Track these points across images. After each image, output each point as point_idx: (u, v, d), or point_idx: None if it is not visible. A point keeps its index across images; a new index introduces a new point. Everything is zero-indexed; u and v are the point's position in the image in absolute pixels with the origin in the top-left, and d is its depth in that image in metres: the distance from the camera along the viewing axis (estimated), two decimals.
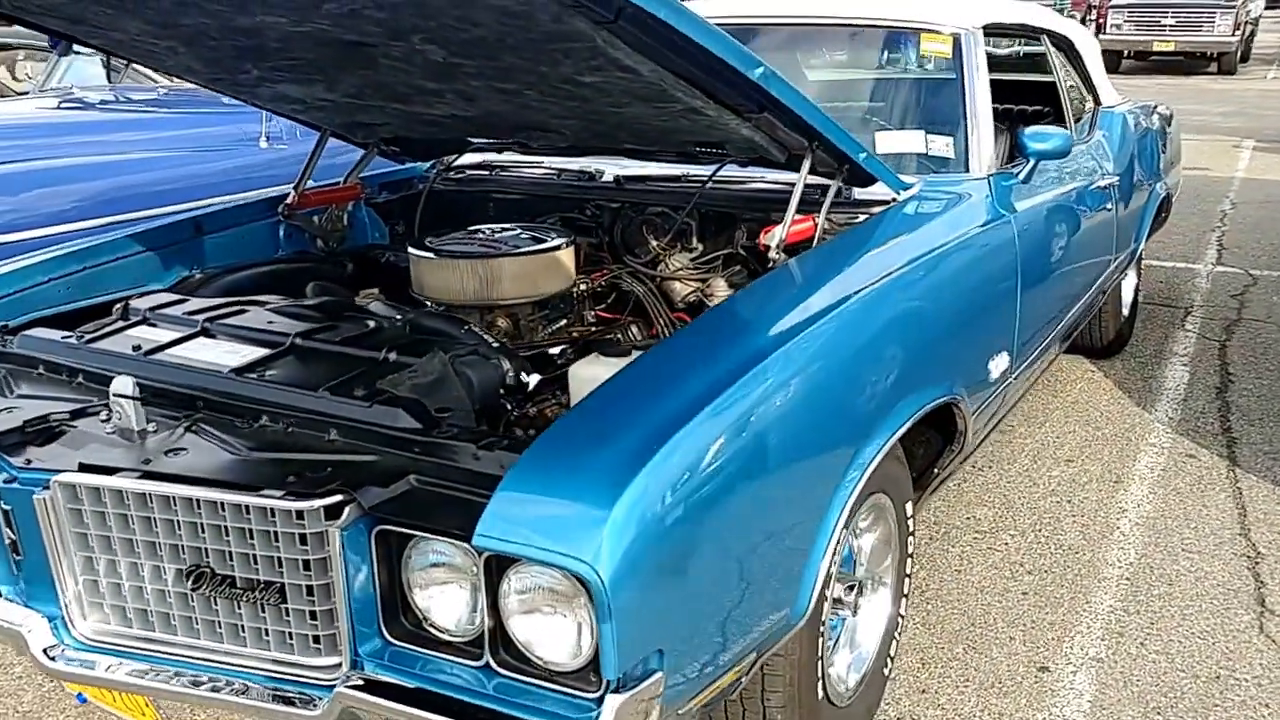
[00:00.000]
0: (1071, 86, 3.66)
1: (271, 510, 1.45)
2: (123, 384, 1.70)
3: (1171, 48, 15.13)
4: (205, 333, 1.95)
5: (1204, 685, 2.33)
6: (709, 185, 2.52)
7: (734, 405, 1.53)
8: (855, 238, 2.20)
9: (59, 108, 4.76)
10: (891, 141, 2.68)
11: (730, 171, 2.48)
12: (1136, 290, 4.45)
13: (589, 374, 1.83)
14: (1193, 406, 3.81)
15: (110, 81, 5.24)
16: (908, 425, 1.92)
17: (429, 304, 2.32)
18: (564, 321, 2.42)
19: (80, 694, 1.77)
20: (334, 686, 1.45)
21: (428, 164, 3.05)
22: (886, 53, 2.86)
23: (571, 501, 1.33)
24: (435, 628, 1.49)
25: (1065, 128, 3.46)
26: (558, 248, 2.30)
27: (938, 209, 2.41)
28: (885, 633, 2.23)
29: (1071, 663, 2.42)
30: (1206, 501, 3.13)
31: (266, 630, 1.52)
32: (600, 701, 1.32)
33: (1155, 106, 4.60)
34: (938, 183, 2.55)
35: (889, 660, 2.24)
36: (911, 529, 2.26)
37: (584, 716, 1.34)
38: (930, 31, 2.79)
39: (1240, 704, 2.27)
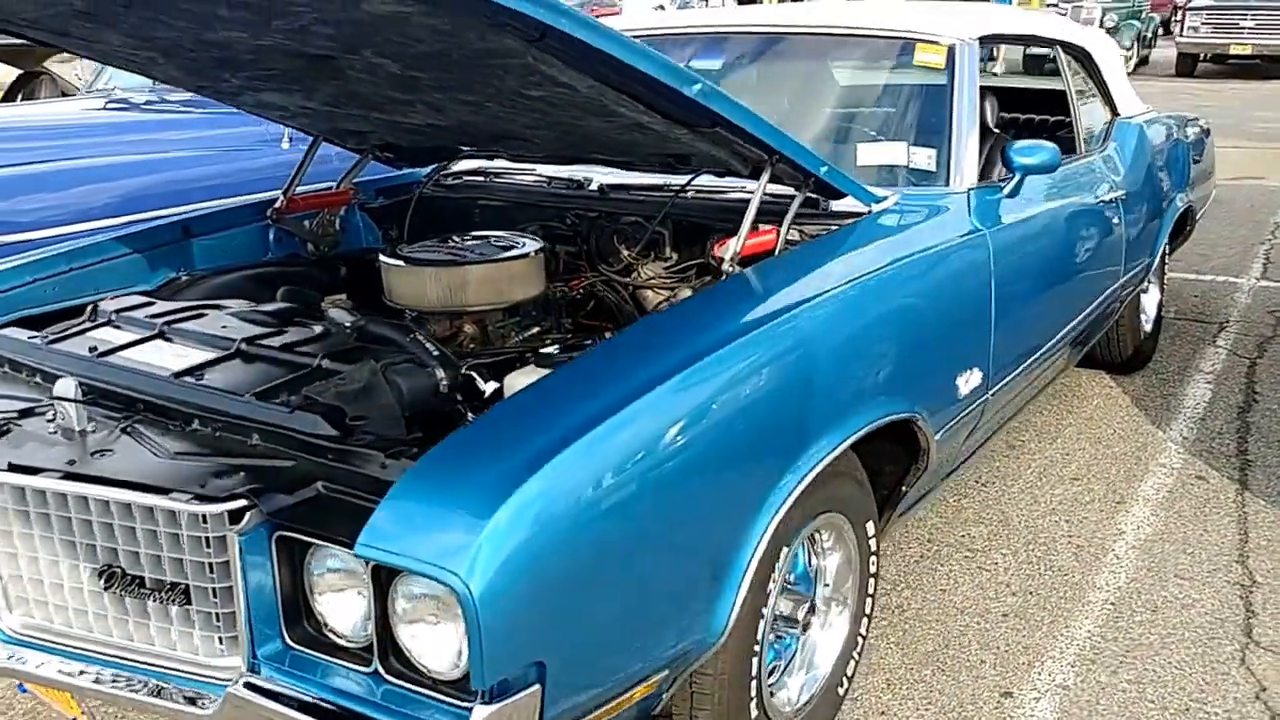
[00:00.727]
0: (1086, 96, 3.55)
1: (176, 513, 1.47)
2: (64, 386, 1.73)
3: (1249, 51, 14.61)
4: (162, 336, 1.98)
5: (1171, 717, 2.24)
6: (686, 195, 2.50)
7: (641, 420, 1.50)
8: (812, 250, 2.16)
9: (104, 108, 4.90)
10: (873, 153, 2.62)
11: (707, 182, 2.45)
12: (1160, 305, 4.31)
13: (523, 384, 1.81)
14: (1210, 426, 3.67)
15: (153, 83, 5.37)
16: (848, 444, 1.87)
17: (406, 311, 2.34)
18: (537, 329, 2.41)
19: (21, 684, 1.81)
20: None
21: (426, 170, 3.07)
22: (879, 63, 2.79)
23: (450, 513, 1.32)
24: (334, 633, 1.49)
25: (1074, 138, 3.39)
26: (523, 256, 2.30)
27: (908, 222, 2.35)
28: (842, 653, 2.18)
29: (1037, 689, 2.34)
30: (1208, 526, 3.01)
31: (174, 630, 1.54)
32: (470, 712, 1.31)
33: (1187, 119, 4.45)
34: (915, 196, 2.48)
35: (845, 680, 2.20)
36: (874, 549, 2.21)
37: (414, 713, 1.33)
38: (925, 42, 2.73)
39: None
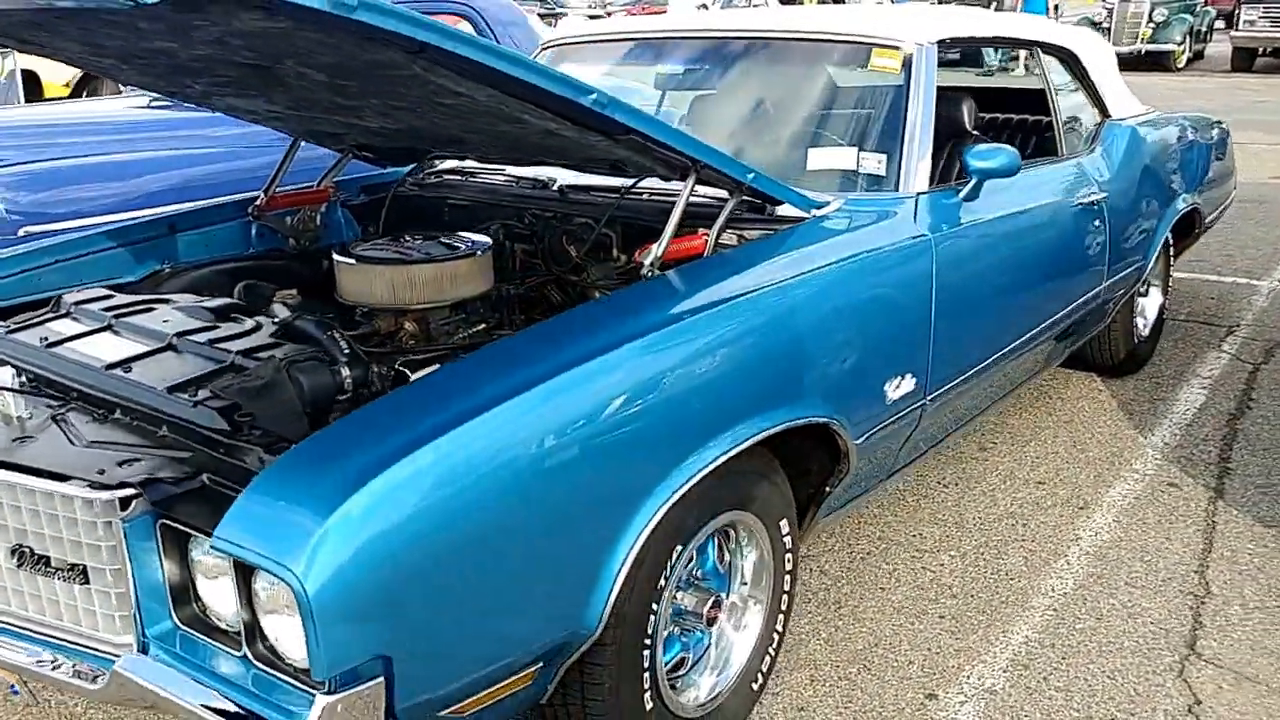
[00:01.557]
0: (1070, 97, 3.47)
1: (72, 498, 1.55)
2: (2, 375, 1.82)
3: None
4: (110, 328, 2.06)
5: None
6: (642, 198, 2.52)
7: (506, 421, 1.53)
8: (736, 255, 2.16)
9: (149, 106, 5.06)
10: (823, 158, 2.61)
11: (659, 186, 2.46)
12: (1162, 308, 4.20)
13: None
14: (1195, 433, 3.58)
15: None
16: (744, 447, 1.88)
17: (357, 307, 2.40)
18: (484, 325, 2.45)
19: (13, 686, 1.91)
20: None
21: (409, 168, 3.13)
22: (837, 68, 2.77)
23: (294, 510, 1.36)
24: (216, 618, 1.56)
25: (1054, 140, 3.32)
26: (466, 256, 2.34)
27: (847, 226, 2.33)
28: (756, 649, 2.20)
29: (963, 693, 2.32)
30: (1172, 534, 2.94)
31: (78, 608, 1.61)
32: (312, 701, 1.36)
33: (1203, 121, 4.33)
34: (860, 201, 2.47)
35: (761, 676, 2.21)
36: (789, 547, 2.21)
37: (297, 711, 1.38)
38: (881, 47, 2.70)
39: None
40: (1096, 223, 3.26)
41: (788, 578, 2.23)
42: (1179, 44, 15.72)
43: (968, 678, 2.37)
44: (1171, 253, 4.19)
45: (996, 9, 16.04)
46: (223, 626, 1.55)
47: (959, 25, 2.89)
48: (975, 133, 3.21)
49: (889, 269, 2.29)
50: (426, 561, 1.43)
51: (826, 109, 2.74)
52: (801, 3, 16.90)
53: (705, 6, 19.87)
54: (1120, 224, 3.41)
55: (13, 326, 2.12)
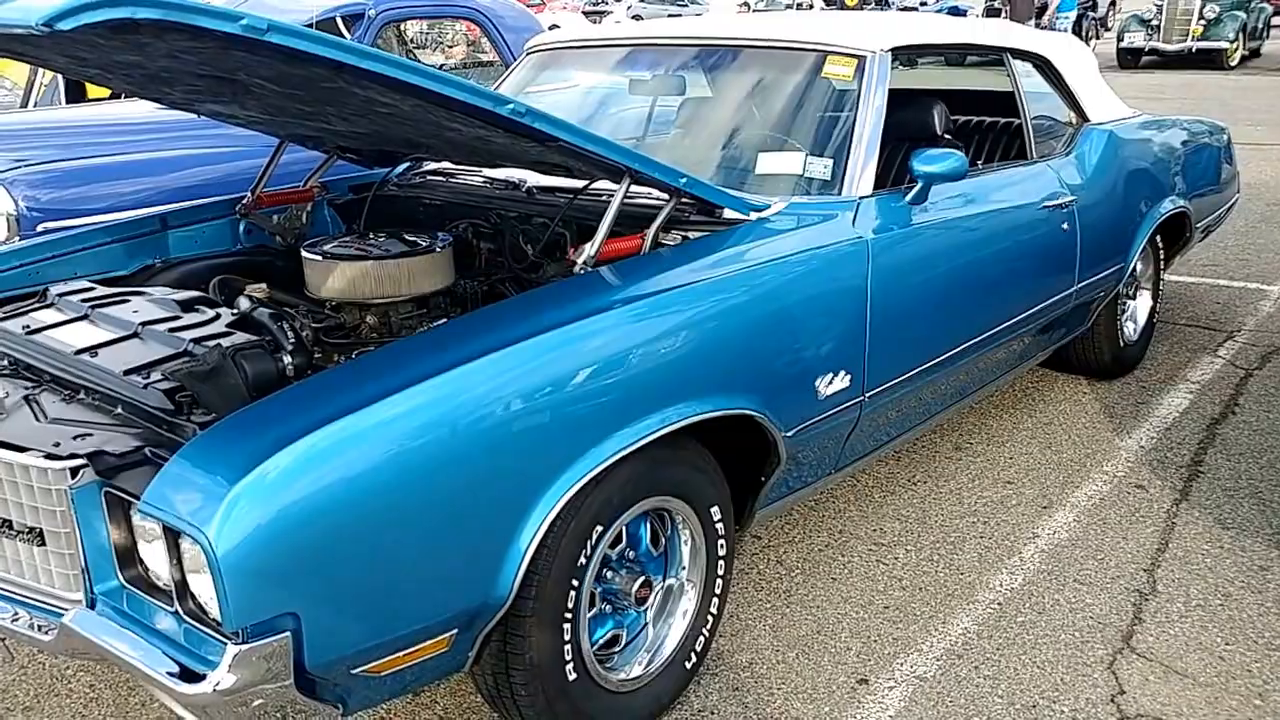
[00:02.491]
0: (1044, 102, 3.57)
1: (29, 468, 1.74)
2: None
3: None
4: (86, 318, 2.27)
5: (1014, 713, 2.32)
6: (602, 200, 2.67)
7: (418, 401, 1.70)
8: (668, 253, 2.31)
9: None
10: (772, 162, 2.75)
11: (612, 187, 2.62)
12: (1153, 312, 4.27)
13: None
14: (1173, 436, 3.65)
15: None
16: (661, 434, 2.02)
17: (327, 301, 2.59)
18: (445, 320, 2.62)
19: None
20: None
21: (401, 169, 3.32)
22: (792, 74, 2.90)
23: (209, 478, 1.54)
24: (155, 577, 1.74)
25: (1024, 143, 3.43)
26: (422, 253, 2.51)
27: (782, 228, 2.47)
28: (690, 629, 2.34)
29: (894, 678, 2.45)
30: (1129, 535, 3.03)
31: (38, 567, 1.81)
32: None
33: (1200, 125, 4.39)
34: (803, 204, 2.61)
35: (694, 655, 2.35)
36: (722, 533, 2.36)
37: (212, 659, 1.57)
38: (835, 54, 2.84)
39: None
40: (1064, 225, 3.35)
41: (721, 563, 2.37)
42: (1231, 42, 15.54)
43: (901, 665, 2.49)
44: (1162, 257, 4.25)
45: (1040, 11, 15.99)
46: (161, 585, 1.73)
47: (914, 33, 3.01)
48: (947, 136, 3.34)
49: (820, 269, 2.43)
50: (334, 528, 1.60)
51: (781, 114, 2.88)
52: (846, 6, 17.00)
53: (746, 5, 20.07)
54: (1092, 226, 3.49)
55: (2, 315, 2.34)
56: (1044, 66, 3.58)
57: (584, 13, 24.47)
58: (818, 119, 2.82)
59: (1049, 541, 3.01)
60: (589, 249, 2.25)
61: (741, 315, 2.24)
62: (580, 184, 2.70)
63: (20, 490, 1.77)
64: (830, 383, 2.45)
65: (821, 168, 2.69)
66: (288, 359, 2.03)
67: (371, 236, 2.64)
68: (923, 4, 17.92)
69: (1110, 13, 23.26)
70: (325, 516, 1.59)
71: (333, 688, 1.71)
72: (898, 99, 3.50)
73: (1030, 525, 3.10)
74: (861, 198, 2.64)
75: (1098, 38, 19.90)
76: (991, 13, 17.01)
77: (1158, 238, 4.19)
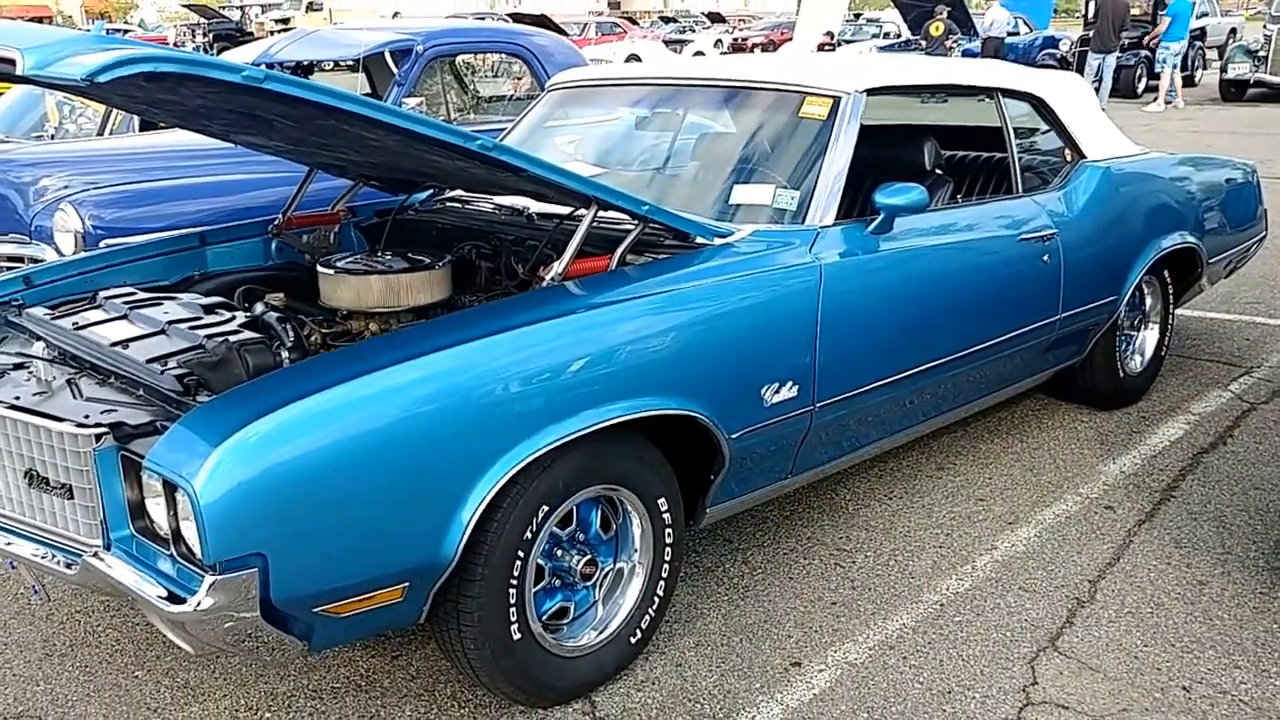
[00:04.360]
0: (1035, 138, 3.90)
1: (62, 434, 2.22)
2: (37, 349, 2.54)
3: None
4: (125, 317, 2.77)
5: (929, 697, 2.64)
6: (596, 226, 3.10)
7: (381, 383, 2.13)
8: (629, 271, 2.71)
9: None
10: (744, 193, 3.14)
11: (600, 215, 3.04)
12: (1161, 345, 4.51)
13: None
14: (1157, 463, 3.90)
15: None
16: (599, 426, 2.41)
17: (338, 310, 3.06)
18: None
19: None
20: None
21: (423, 195, 3.80)
22: (772, 112, 3.29)
23: (198, 440, 1.99)
24: (158, 527, 2.20)
25: (1012, 179, 3.76)
26: (420, 269, 2.96)
27: (741, 252, 2.85)
28: (636, 608, 2.72)
29: (826, 664, 2.78)
30: (1084, 550, 3.31)
31: (67, 516, 2.28)
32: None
33: (1217, 164, 4.65)
34: (766, 231, 2.98)
35: (639, 631, 2.73)
36: (669, 523, 2.73)
37: (193, 587, 2.01)
38: (812, 95, 3.22)
39: (948, 714, 2.57)
40: (1045, 257, 3.66)
41: (669, 549, 2.75)
42: None
43: (835, 652, 2.83)
44: (1170, 292, 4.49)
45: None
46: (162, 534, 2.18)
47: (890, 75, 3.38)
48: (938, 171, 3.70)
49: (769, 287, 2.80)
50: (300, 485, 2.03)
51: (759, 147, 3.27)
52: (930, 36, 17.29)
53: (830, 34, 20.49)
54: (1078, 259, 3.79)
55: (57, 314, 2.85)
56: (1038, 105, 3.90)
57: (665, 42, 25.20)
58: (791, 153, 3.20)
59: (1004, 553, 3.30)
60: (557, 266, 2.66)
61: (686, 325, 2.62)
62: (567, 211, 3.13)
63: (55, 453, 2.25)
64: (777, 392, 2.81)
65: (788, 199, 3.07)
66: (285, 354, 2.49)
67: (378, 254, 3.10)
68: (1013, 34, 18.04)
69: (1230, 40, 23.04)
70: (293, 475, 2.02)
71: (298, 622, 2.13)
72: (892, 135, 3.88)
73: (991, 538, 3.39)
74: (823, 227, 3.01)
75: (1204, 68, 19.74)
76: (1084, 41, 17.10)
77: (1165, 272, 4.45)
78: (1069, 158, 4.02)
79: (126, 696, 2.69)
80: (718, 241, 2.90)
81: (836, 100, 3.20)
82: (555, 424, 2.36)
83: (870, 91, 3.26)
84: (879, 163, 3.56)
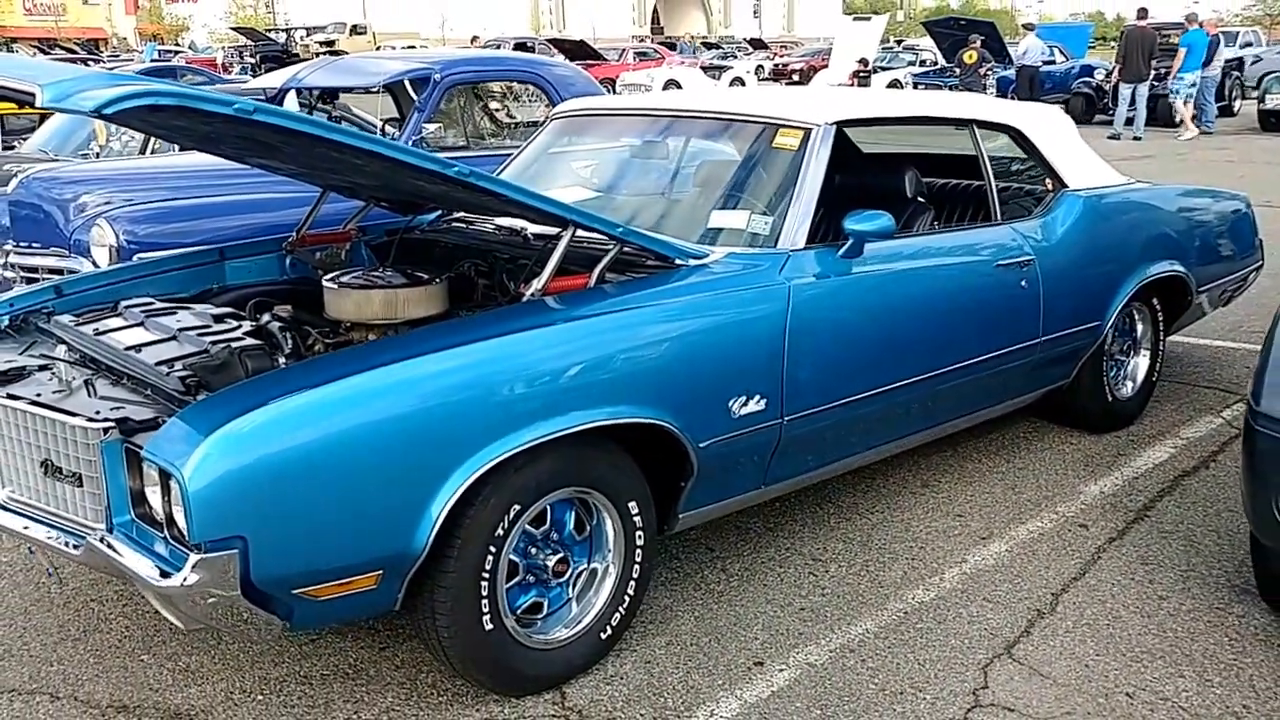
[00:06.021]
0: (1016, 167, 4.05)
1: (74, 427, 2.45)
2: (59, 351, 2.79)
3: None
4: (142, 324, 3.00)
5: (882, 697, 2.78)
6: (580, 245, 3.30)
7: (360, 384, 2.34)
8: (605, 288, 2.90)
9: None
10: (722, 218, 3.33)
11: (582, 235, 3.24)
12: (1152, 371, 4.61)
13: None
14: (1138, 485, 4.01)
15: None
16: (568, 431, 2.60)
17: (343, 322, 3.28)
18: None
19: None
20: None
21: (432, 216, 4.03)
22: (748, 143, 3.48)
23: (191, 432, 2.21)
24: (156, 513, 2.41)
25: (990, 207, 3.92)
26: (415, 285, 3.17)
27: (714, 272, 3.04)
28: (607, 606, 2.89)
29: (787, 664, 2.94)
30: (1052, 565, 3.44)
31: (78, 502, 2.51)
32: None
33: (1192, 193, 4.77)
34: (740, 254, 3.17)
35: (609, 628, 2.90)
36: (639, 525, 2.90)
37: (179, 564, 2.22)
38: (785, 127, 3.41)
39: (899, 714, 2.72)
40: (1023, 282, 3.81)
41: (639, 551, 2.92)
42: None
43: (797, 654, 2.98)
44: (1160, 319, 4.60)
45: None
46: (158, 520, 2.40)
47: (860, 108, 3.56)
48: (920, 199, 3.87)
49: (736, 306, 2.98)
50: (280, 474, 2.24)
51: (737, 175, 3.47)
52: (965, 64, 17.41)
53: (865, 60, 20.68)
54: (1057, 285, 3.93)
55: (80, 321, 3.10)
56: (1016, 136, 4.06)
57: (704, 68, 25.56)
58: (765, 181, 3.39)
59: (974, 566, 3.44)
60: (536, 283, 2.87)
61: (656, 339, 2.81)
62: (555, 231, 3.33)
63: (68, 444, 2.48)
64: (745, 404, 2.99)
65: (762, 224, 3.25)
66: (282, 359, 2.71)
67: (380, 270, 3.32)
68: (1049, 62, 18.11)
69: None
70: (274, 465, 2.23)
71: (279, 602, 2.34)
72: (875, 163, 4.06)
73: (963, 552, 3.53)
74: (794, 250, 3.19)
75: (1243, 98, 19.67)
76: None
77: (1154, 300, 4.56)
78: (1050, 187, 4.16)
79: (132, 678, 2.91)
80: (693, 263, 3.09)
81: (807, 132, 3.38)
82: (524, 428, 2.55)
83: (840, 124, 3.44)
84: (862, 190, 3.74)
